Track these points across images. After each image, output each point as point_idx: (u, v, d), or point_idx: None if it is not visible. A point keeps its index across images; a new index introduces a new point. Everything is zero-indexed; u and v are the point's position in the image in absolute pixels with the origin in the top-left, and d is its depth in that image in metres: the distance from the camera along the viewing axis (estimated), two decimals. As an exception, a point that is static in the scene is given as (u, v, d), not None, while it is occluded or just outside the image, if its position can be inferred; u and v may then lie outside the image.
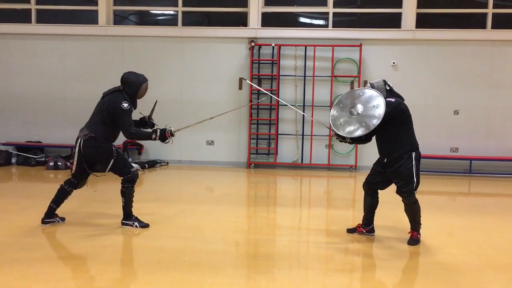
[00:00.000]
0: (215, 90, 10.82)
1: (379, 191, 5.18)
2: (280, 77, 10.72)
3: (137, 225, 5.26)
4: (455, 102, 10.61)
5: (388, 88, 4.96)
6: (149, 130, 5.28)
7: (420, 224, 4.95)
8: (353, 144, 5.15)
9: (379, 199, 5.21)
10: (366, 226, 5.26)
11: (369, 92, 4.84)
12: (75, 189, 5.27)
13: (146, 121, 5.47)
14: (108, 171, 5.14)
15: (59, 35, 11.04)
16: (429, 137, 10.45)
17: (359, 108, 4.74)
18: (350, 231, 5.37)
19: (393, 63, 10.58)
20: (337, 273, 4.17)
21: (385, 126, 4.74)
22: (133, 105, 5.16)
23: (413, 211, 4.89)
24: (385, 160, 4.91)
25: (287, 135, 10.84)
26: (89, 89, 10.95)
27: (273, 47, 10.66)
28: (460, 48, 10.53)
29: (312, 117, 10.52)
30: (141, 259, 4.35)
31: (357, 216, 6.61)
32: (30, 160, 10.44)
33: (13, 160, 10.61)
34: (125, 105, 4.97)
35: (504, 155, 10.50)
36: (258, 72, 10.80)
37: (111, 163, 5.03)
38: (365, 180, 5.22)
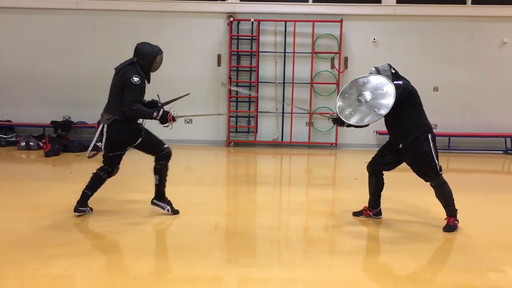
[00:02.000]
0: (193, 67, 10.53)
1: (384, 172, 4.99)
2: (260, 53, 10.48)
3: (169, 209, 5.01)
4: (435, 79, 10.58)
5: (393, 71, 4.79)
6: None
7: (456, 209, 4.75)
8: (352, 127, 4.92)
9: (384, 180, 5.02)
10: (373, 209, 5.09)
11: (373, 78, 4.65)
12: (110, 177, 4.95)
13: (158, 106, 4.94)
14: (138, 149, 4.86)
15: (28, 9, 10.49)
16: (409, 114, 10.42)
17: (367, 95, 4.54)
18: (356, 214, 5.19)
19: (374, 39, 10.45)
20: (316, 254, 4.09)
21: (396, 111, 4.55)
22: (147, 78, 4.82)
23: (444, 194, 4.70)
24: (400, 146, 4.72)
25: (267, 113, 10.67)
26: (60, 65, 10.54)
27: (252, 22, 10.38)
28: (440, 24, 10.46)
29: (292, 94, 10.43)
30: (123, 245, 4.17)
31: (337, 195, 6.58)
32: (0, 140, 10.03)
33: (-20, 139, 10.18)
34: (136, 79, 4.62)
35: (482, 132, 10.59)
36: (237, 48, 10.54)
37: (137, 142, 4.76)
38: (371, 161, 5.01)
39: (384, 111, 4.42)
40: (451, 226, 4.70)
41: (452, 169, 9.14)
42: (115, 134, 4.68)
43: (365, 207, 5.16)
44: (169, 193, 6.11)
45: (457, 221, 4.75)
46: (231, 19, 10.32)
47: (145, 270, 3.61)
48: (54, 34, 10.52)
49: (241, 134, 10.86)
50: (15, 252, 3.86)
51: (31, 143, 9.55)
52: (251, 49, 10.52)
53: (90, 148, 4.83)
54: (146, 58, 4.76)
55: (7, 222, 4.68)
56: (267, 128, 10.71)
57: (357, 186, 6.89)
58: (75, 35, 10.54)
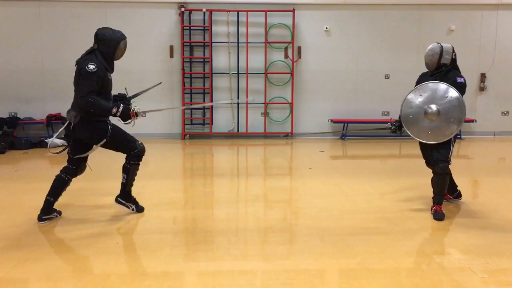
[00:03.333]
0: (144, 59, 10.28)
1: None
2: (213, 44, 10.35)
3: (134, 208, 4.83)
4: (386, 67, 10.77)
5: (454, 57, 4.75)
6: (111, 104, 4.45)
7: (444, 197, 4.82)
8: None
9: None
10: (452, 193, 5.17)
11: (428, 88, 4.65)
12: (74, 177, 4.60)
13: (124, 100, 4.69)
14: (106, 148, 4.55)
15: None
16: (362, 101, 10.60)
17: (434, 108, 4.53)
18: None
19: (326, 28, 10.51)
20: (275, 246, 4.08)
21: None
22: (110, 67, 4.45)
23: (442, 183, 4.70)
24: None
25: (222, 104, 10.58)
26: (5, 59, 10.06)
27: (204, 12, 10.23)
28: (390, 13, 10.64)
29: (247, 84, 10.38)
30: (68, 245, 4.02)
31: (294, 185, 6.62)
32: None
33: None
34: (91, 66, 4.20)
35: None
36: (190, 39, 10.36)
37: (101, 142, 4.42)
38: (426, 161, 5.03)
39: (463, 116, 4.45)
40: (439, 214, 4.70)
41: (404, 154, 9.36)
42: (82, 134, 4.38)
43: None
44: (118, 189, 5.97)
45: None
46: (183, 9, 10.14)
47: (93, 270, 3.50)
48: (-5, 26, 10.03)
49: (196, 126, 10.74)
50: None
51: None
52: (204, 39, 10.38)
53: (49, 144, 4.68)
54: (108, 45, 4.39)
55: None
56: (223, 119, 10.63)
57: (312, 175, 6.97)
58: (18, 28, 10.07)
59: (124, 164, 4.67)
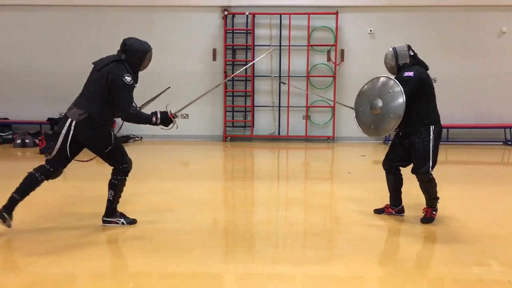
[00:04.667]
0: (188, 62, 10.45)
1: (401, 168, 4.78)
2: (255, 47, 10.40)
3: (124, 221, 4.47)
4: (432, 70, 10.27)
5: (411, 53, 4.60)
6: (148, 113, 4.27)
7: (437, 199, 4.63)
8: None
9: (401, 175, 4.78)
10: (395, 207, 4.85)
11: (376, 82, 4.53)
12: (48, 180, 4.24)
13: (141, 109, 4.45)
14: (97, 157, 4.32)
15: (21, 6, 10.44)
16: (407, 106, 10.35)
17: (378, 102, 4.42)
18: (378, 211, 4.97)
19: (370, 30, 10.35)
20: (313, 250, 4.03)
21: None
22: (135, 79, 4.29)
23: (429, 189, 4.55)
24: (401, 134, 4.61)
25: (264, 107, 10.60)
26: (54, 62, 10.48)
27: (247, 16, 10.30)
28: (436, 14, 10.36)
29: (288, 85, 10.35)
30: (103, 243, 4.10)
31: (335, 189, 6.54)
32: (-4, 137, 10.01)
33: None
34: (128, 78, 4.09)
35: (481, 123, 10.50)
36: (232, 42, 10.46)
37: (107, 150, 4.19)
38: (385, 157, 4.81)
39: (401, 111, 4.27)
40: (427, 218, 4.58)
41: (451, 161, 9.07)
42: (84, 134, 4.12)
43: (386, 205, 4.92)
44: (166, 189, 6.11)
45: (435, 211, 4.62)
46: (226, 12, 10.24)
47: (122, 268, 3.57)
48: (48, 31, 10.46)
49: (237, 129, 10.80)
50: None
51: (27, 140, 9.51)
52: (246, 42, 10.44)
53: (57, 147, 4.13)
54: (136, 56, 4.26)
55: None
56: (264, 122, 10.66)
57: (351, 179, 6.86)
58: (69, 32, 10.47)
59: (110, 180, 4.35)
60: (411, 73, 4.42)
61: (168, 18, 10.44)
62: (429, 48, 10.39)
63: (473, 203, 5.55)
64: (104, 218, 4.46)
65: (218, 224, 4.83)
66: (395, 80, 4.38)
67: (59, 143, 4.12)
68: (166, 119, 4.26)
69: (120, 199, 4.47)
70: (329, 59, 10.35)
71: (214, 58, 10.45)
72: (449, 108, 10.53)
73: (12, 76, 10.64)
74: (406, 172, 4.69)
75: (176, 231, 4.39)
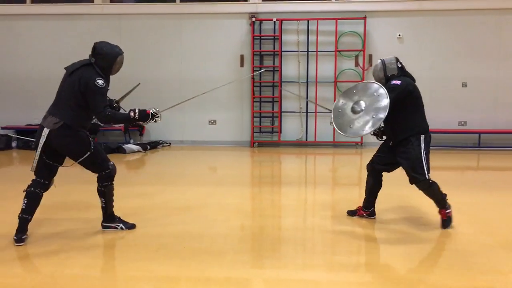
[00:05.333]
0: (216, 68, 10.57)
1: (384, 173, 4.86)
2: (283, 53, 10.44)
3: (123, 226, 4.50)
4: (463, 74, 10.31)
5: (399, 65, 4.63)
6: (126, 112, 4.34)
7: (445, 199, 4.60)
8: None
9: (382, 181, 4.88)
10: (367, 209, 4.96)
11: (362, 85, 4.60)
12: (46, 190, 4.22)
13: (113, 106, 4.46)
14: (78, 164, 4.23)
15: (55, 15, 10.79)
16: (437, 111, 10.17)
17: (362, 103, 4.44)
18: (351, 213, 5.10)
19: (399, 35, 10.26)
20: (342, 257, 4.01)
21: (392, 108, 4.41)
22: (107, 82, 4.25)
23: (433, 194, 4.55)
24: (391, 144, 4.65)
25: (291, 113, 10.62)
26: (88, 70, 10.74)
27: (274, 22, 10.35)
28: (468, 18, 10.18)
29: (316, 105, 10.33)
30: (138, 247, 4.18)
31: (363, 196, 6.46)
32: (30, 143, 10.27)
33: (14, 144, 10.47)
34: (100, 82, 4.06)
35: (513, 128, 10.26)
36: (260, 49, 10.52)
37: (85, 156, 4.16)
38: (371, 160, 4.89)
39: (383, 114, 4.29)
40: (445, 221, 4.56)
41: (482, 167, 8.88)
42: (59, 142, 4.08)
43: (359, 207, 5.04)
44: (193, 193, 6.19)
45: (449, 209, 4.58)
46: (253, 19, 10.32)
47: (157, 271, 3.62)
48: (80, 39, 10.72)
49: (265, 134, 10.84)
50: None
51: (60, 146, 9.74)
52: (274, 48, 10.48)
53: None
54: (106, 59, 4.22)
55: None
56: (291, 127, 10.66)
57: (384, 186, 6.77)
58: (101, 40, 10.69)
59: (98, 188, 4.35)
60: (398, 82, 4.48)
61: (196, 25, 10.60)
62: (460, 52, 10.26)
63: (501, 210, 5.41)
64: (104, 224, 4.50)
65: (247, 229, 4.85)
66: (380, 84, 4.43)
67: (37, 154, 4.11)
68: (144, 115, 4.24)
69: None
70: (357, 64, 10.30)
71: (242, 64, 10.54)
72: (481, 113, 10.37)
73: (46, 83, 10.88)
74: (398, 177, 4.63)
75: (206, 236, 4.43)
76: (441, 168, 8.45)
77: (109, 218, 4.48)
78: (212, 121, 10.83)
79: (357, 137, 4.55)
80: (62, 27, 10.82)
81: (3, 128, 10.75)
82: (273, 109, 10.66)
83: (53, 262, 3.76)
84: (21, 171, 8.61)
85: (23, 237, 4.14)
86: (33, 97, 11.04)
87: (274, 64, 10.50)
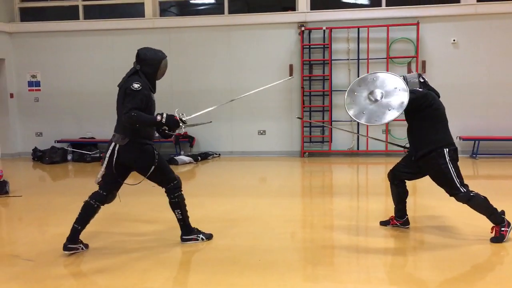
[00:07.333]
0: (265, 78, 10.40)
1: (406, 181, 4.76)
2: (332, 61, 10.30)
3: (203, 237, 4.53)
4: (522, 79, 9.86)
5: (422, 80, 4.57)
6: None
7: (500, 213, 4.38)
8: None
9: (406, 187, 4.77)
10: (400, 219, 4.85)
11: (384, 75, 4.46)
12: (103, 204, 4.30)
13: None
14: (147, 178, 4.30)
15: (107, 30, 11.07)
16: (495, 117, 9.77)
17: (378, 93, 4.30)
18: (383, 223, 4.99)
19: (454, 40, 9.92)
20: (397, 269, 3.85)
21: (412, 118, 4.43)
22: (153, 87, 4.29)
23: (478, 206, 4.36)
24: (413, 158, 4.52)
25: (342, 122, 10.43)
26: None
27: (324, 30, 10.23)
28: (527, 21, 9.76)
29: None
30: (212, 260, 4.14)
31: (417, 204, 6.24)
32: (85, 156, 10.56)
33: (69, 157, 10.75)
34: (136, 85, 4.06)
35: None
36: (309, 58, 10.42)
37: (151, 170, 4.21)
38: (392, 168, 4.75)
39: (397, 111, 4.17)
40: (497, 237, 4.33)
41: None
42: (128, 156, 4.16)
43: (391, 216, 4.94)
44: (243, 204, 6.14)
45: (506, 226, 4.35)
46: (303, 28, 10.24)
47: (239, 286, 3.57)
48: (131, 53, 10.86)
49: (315, 144, 10.69)
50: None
51: (114, 158, 9.91)
52: (323, 57, 10.36)
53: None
54: (150, 64, 4.27)
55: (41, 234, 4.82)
56: (342, 137, 10.46)
57: (438, 195, 6.51)
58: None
59: (170, 201, 4.38)
60: (419, 89, 4.44)
61: (245, 36, 10.62)
62: (519, 56, 9.82)
63: None
64: (183, 237, 4.50)
65: (302, 242, 4.78)
66: (404, 82, 4.32)
67: (103, 167, 4.20)
68: (173, 120, 4.12)
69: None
70: (409, 71, 10.02)
71: (291, 74, 10.46)
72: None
73: (98, 97, 11.21)
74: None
75: (256, 249, 4.37)
76: (498, 177, 8.07)
77: (188, 230, 4.50)
78: (261, 132, 10.79)
79: (369, 124, 4.42)
80: (113, 42, 11.08)
81: (58, 141, 11.06)
82: (323, 118, 10.50)
83: (135, 276, 3.79)
84: (78, 183, 8.81)
85: (70, 245, 4.20)
86: (86, 111, 11.34)
87: (324, 73, 10.37)
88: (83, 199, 4.26)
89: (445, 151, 4.32)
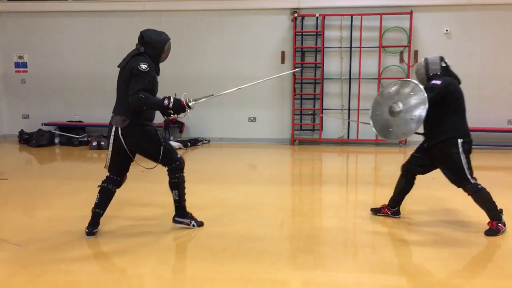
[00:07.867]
0: (257, 64, 10.42)
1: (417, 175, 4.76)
2: (325, 49, 10.22)
3: (194, 224, 4.50)
4: (515, 71, 9.89)
5: (444, 65, 4.51)
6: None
7: (499, 211, 4.41)
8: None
9: (414, 184, 4.80)
10: (392, 208, 4.92)
11: (400, 86, 4.44)
12: (119, 187, 4.36)
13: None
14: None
15: (96, 12, 10.84)
16: (486, 109, 9.80)
17: (399, 105, 4.31)
18: (374, 211, 5.04)
19: (447, 30, 9.90)
20: (384, 258, 3.86)
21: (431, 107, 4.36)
22: (157, 70, 4.24)
23: (481, 200, 4.39)
24: (425, 145, 4.54)
25: (333, 110, 10.39)
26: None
27: (317, 17, 10.14)
28: (520, 12, 9.76)
29: (358, 123, 10.10)
30: (204, 247, 4.11)
31: (409, 195, 6.25)
32: (73, 140, 10.41)
33: (56, 140, 10.59)
34: (143, 66, 3.99)
35: None
36: (302, 45, 10.33)
37: (157, 150, 4.18)
38: (408, 160, 4.76)
39: (420, 115, 4.18)
40: (493, 230, 4.37)
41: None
42: (131, 139, 4.11)
43: (383, 205, 4.99)
44: (234, 192, 6.11)
45: (502, 224, 4.40)
46: (295, 15, 10.13)
47: (231, 273, 3.54)
48: (121, 36, 10.76)
49: (306, 132, 10.66)
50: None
51: (102, 143, 9.81)
52: (316, 45, 10.28)
53: (108, 157, 4.21)
54: (155, 47, 4.19)
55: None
56: (333, 125, 10.43)
57: (435, 185, 6.53)
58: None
59: (170, 181, 4.34)
60: (438, 82, 4.35)
61: (237, 21, 10.49)
62: (511, 49, 9.82)
63: None
64: (176, 218, 4.49)
65: (290, 230, 4.78)
66: (417, 82, 4.31)
67: (109, 152, 4.20)
68: (179, 105, 4.09)
69: (187, 203, 4.48)
70: (402, 61, 10.01)
71: (283, 61, 10.37)
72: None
73: (87, 80, 11.06)
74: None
75: (247, 237, 4.35)
76: (489, 168, 8.13)
77: (182, 213, 4.48)
78: (252, 118, 10.72)
79: (399, 140, 4.46)
80: (103, 24, 10.88)
81: (45, 124, 10.89)
82: (314, 106, 10.46)
83: (125, 261, 3.75)
84: (68, 167, 8.68)
85: (94, 230, 4.28)
86: (74, 93, 11.16)
87: (316, 60, 10.30)
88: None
89: (459, 141, 4.32)
